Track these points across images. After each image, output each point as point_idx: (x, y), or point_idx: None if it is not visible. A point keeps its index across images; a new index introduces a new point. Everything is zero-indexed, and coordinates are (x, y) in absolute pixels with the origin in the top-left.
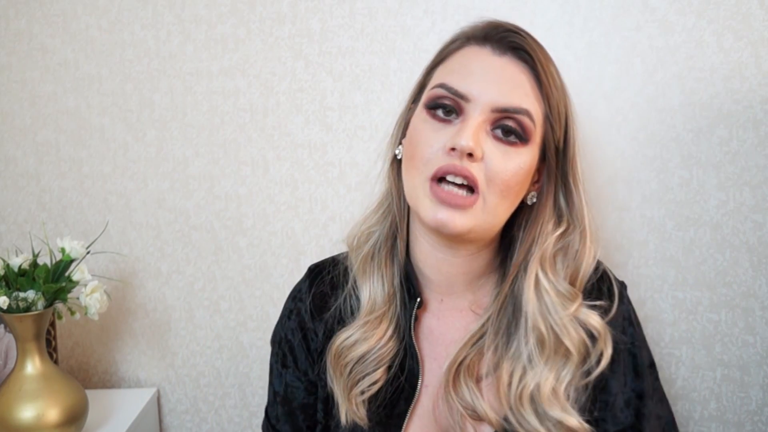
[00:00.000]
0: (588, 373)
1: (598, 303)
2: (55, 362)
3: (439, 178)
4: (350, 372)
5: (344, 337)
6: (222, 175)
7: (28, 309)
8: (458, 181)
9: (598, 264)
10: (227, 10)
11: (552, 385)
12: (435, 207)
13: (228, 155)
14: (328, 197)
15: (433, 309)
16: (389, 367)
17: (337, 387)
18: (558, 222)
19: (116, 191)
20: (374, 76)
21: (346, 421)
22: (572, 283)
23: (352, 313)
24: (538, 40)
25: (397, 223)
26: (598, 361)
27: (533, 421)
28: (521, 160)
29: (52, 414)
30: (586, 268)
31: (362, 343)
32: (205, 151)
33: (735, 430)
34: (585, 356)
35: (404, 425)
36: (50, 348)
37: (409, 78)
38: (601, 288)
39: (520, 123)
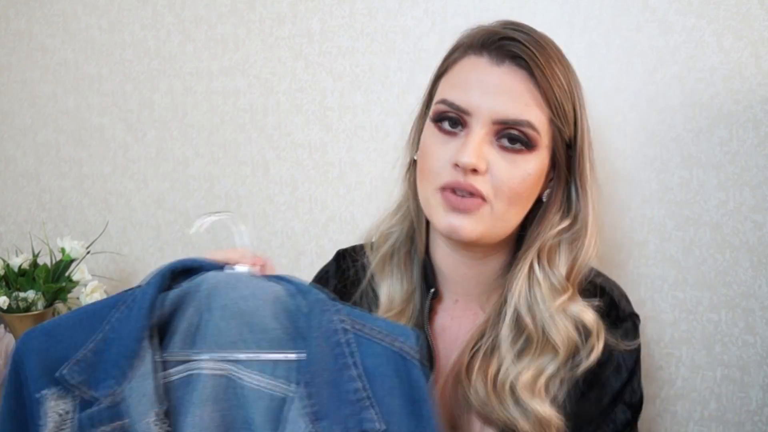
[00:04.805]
0: (576, 366)
1: (594, 302)
2: None
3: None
4: None
5: None
6: (222, 175)
7: (28, 309)
8: (465, 194)
9: (614, 293)
10: (227, 10)
11: (531, 376)
12: (447, 214)
13: (228, 155)
14: (328, 197)
15: (448, 308)
16: None
17: None
18: (564, 216)
19: (116, 191)
20: (374, 76)
21: None
22: (568, 278)
23: (370, 311)
24: (541, 38)
25: (415, 225)
26: (588, 356)
27: (512, 409)
28: (528, 166)
29: None
30: (582, 263)
31: None
32: (205, 151)
33: (735, 430)
34: (574, 352)
35: None
36: None
37: (409, 78)
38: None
39: (523, 133)
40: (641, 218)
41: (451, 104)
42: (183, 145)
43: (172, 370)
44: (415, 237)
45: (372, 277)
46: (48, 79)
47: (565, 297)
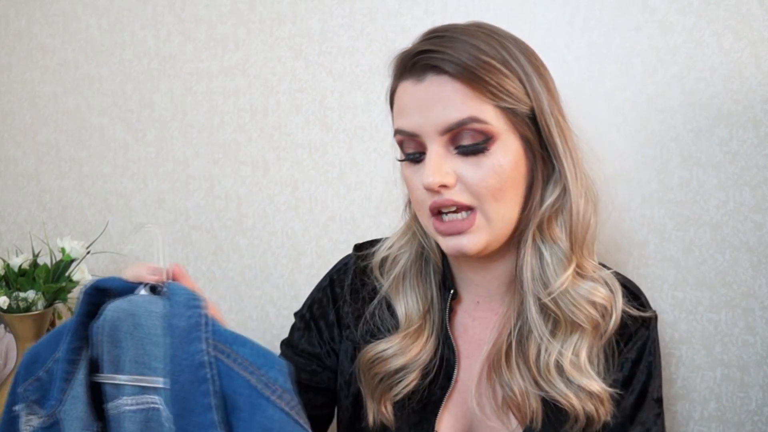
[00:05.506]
0: (602, 335)
1: (607, 271)
2: None
3: (438, 211)
4: (381, 380)
5: (381, 348)
6: (222, 175)
7: (28, 309)
8: (453, 209)
9: (633, 288)
10: (227, 10)
11: (570, 356)
12: (445, 239)
13: (228, 155)
14: (328, 197)
15: (469, 309)
16: (424, 368)
17: (365, 389)
18: (554, 188)
19: (116, 191)
20: (374, 76)
21: (374, 422)
22: (572, 246)
23: (383, 324)
24: (459, 31)
25: (425, 245)
26: (608, 324)
27: (562, 387)
28: (497, 159)
29: None
30: (578, 230)
31: (400, 356)
32: (205, 151)
33: (735, 430)
34: (597, 324)
35: (439, 412)
36: None
37: None
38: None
39: (473, 130)
40: (641, 218)
41: (402, 132)
42: (183, 145)
43: (109, 404)
44: (424, 255)
45: (387, 294)
46: (48, 79)
47: (570, 269)
